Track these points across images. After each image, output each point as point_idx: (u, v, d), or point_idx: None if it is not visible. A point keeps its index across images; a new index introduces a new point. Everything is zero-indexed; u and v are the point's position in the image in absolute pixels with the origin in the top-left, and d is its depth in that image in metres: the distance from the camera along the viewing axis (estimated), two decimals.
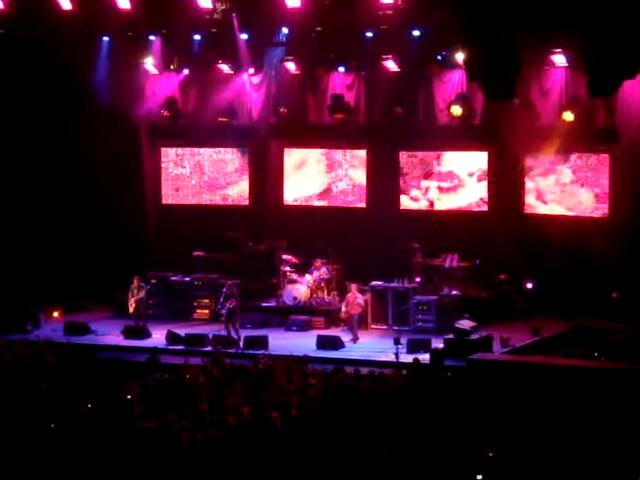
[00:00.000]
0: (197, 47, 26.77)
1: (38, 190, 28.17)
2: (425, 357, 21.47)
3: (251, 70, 27.86)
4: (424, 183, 27.79)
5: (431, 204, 27.78)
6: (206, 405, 16.10)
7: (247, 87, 28.49)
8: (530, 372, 17.83)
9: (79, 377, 19.29)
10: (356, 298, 24.76)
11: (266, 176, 29.16)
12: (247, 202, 29.20)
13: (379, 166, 28.30)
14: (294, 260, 26.89)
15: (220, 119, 28.19)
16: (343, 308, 24.89)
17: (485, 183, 27.20)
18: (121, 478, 13.74)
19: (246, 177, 29.15)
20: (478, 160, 27.29)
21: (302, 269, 26.84)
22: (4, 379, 18.88)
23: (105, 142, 27.65)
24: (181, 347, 23.92)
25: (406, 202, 27.94)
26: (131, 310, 25.32)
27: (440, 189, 27.71)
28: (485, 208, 27.25)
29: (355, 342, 24.24)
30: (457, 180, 27.49)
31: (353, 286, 24.95)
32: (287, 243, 27.24)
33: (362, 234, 27.60)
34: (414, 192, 27.94)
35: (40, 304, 26.48)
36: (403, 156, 27.92)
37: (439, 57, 25.90)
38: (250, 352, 22.88)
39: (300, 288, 26.35)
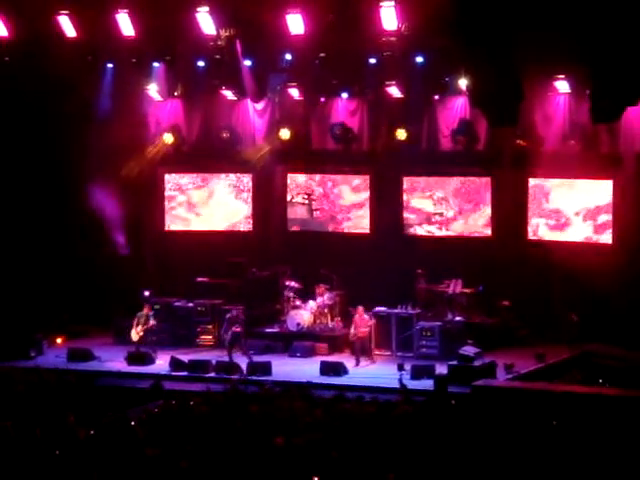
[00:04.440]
0: (201, 73, 26.85)
1: (41, 218, 28.15)
2: (429, 383, 21.46)
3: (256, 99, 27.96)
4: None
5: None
6: (209, 431, 16.03)
7: (251, 113, 28.59)
8: (534, 399, 17.78)
9: (82, 403, 19.23)
10: (364, 320, 24.76)
11: (270, 201, 29.18)
12: (250, 228, 29.22)
13: (382, 192, 28.29)
14: (297, 286, 26.89)
15: (223, 134, 28.19)
16: (352, 331, 24.87)
17: (489, 209, 27.22)
18: None
19: (250, 202, 29.15)
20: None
21: (305, 295, 26.83)
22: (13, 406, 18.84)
23: (108, 168, 27.68)
24: (184, 373, 23.91)
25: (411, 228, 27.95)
26: (136, 339, 25.14)
27: (441, 216, 27.70)
28: (489, 234, 27.23)
29: (358, 365, 24.26)
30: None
31: (359, 308, 24.92)
32: (291, 269, 27.25)
33: (366, 260, 27.58)
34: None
35: (43, 330, 26.43)
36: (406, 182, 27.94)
37: (442, 83, 25.97)
38: (254, 378, 22.87)
39: (304, 314, 26.31)
